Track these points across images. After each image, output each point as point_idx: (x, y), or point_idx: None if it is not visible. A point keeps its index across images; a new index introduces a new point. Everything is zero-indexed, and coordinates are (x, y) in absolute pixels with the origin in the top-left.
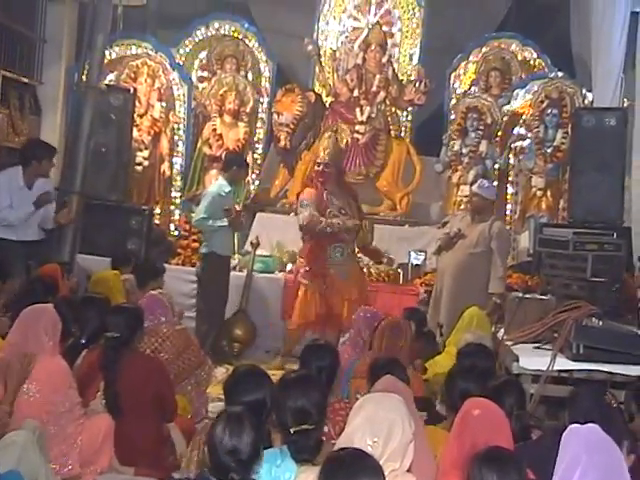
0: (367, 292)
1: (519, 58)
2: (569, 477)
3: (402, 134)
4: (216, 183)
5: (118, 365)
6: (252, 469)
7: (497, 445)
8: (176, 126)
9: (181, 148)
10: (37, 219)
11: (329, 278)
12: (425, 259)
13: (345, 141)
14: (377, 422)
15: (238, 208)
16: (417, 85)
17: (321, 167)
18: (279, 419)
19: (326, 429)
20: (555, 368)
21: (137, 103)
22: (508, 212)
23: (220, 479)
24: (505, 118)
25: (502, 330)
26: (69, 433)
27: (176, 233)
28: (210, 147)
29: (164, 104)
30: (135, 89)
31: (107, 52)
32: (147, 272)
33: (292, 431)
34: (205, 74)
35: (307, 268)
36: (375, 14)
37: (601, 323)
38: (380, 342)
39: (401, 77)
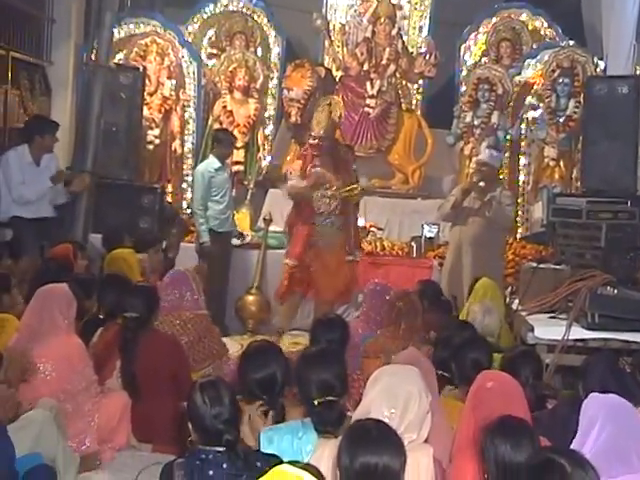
0: (348, 271)
1: (529, 28)
2: (587, 436)
3: (413, 107)
4: (205, 162)
5: (135, 345)
6: (237, 424)
7: (508, 415)
8: (186, 104)
9: (192, 126)
10: (49, 196)
11: (314, 249)
12: (438, 232)
13: (339, 114)
14: (394, 393)
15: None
16: (427, 57)
17: (316, 141)
18: (302, 393)
19: None
20: (570, 337)
21: (147, 81)
22: (521, 183)
23: (214, 446)
24: (516, 88)
25: (516, 301)
26: (86, 411)
27: (189, 211)
28: (221, 124)
29: (174, 82)
30: (144, 67)
31: (115, 31)
32: (144, 242)
33: (316, 402)
34: (214, 51)
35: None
36: None
37: (616, 291)
38: (396, 321)
39: (411, 50)
